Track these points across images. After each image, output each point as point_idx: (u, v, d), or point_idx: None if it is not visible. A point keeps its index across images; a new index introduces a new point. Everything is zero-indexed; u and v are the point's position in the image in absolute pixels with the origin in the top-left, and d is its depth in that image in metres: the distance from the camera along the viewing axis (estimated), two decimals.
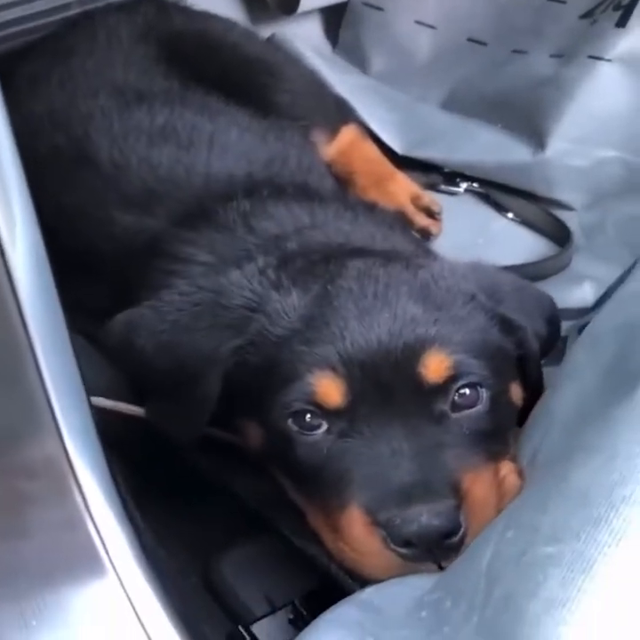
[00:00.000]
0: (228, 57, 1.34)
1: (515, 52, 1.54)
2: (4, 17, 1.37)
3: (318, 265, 0.93)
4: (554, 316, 1.01)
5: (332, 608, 0.76)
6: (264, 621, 0.87)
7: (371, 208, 1.17)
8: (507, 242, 1.44)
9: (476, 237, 1.44)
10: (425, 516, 0.77)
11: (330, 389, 0.83)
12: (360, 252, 0.97)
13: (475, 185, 1.50)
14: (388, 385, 0.83)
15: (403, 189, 1.45)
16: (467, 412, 0.85)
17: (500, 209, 1.48)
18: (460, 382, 0.85)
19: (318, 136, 1.37)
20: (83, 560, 0.68)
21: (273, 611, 0.88)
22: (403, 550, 0.79)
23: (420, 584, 0.75)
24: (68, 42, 1.32)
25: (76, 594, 0.68)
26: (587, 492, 0.66)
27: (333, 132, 1.42)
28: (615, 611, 0.60)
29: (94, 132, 1.16)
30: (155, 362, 0.92)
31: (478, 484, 0.82)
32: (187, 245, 1.03)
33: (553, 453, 0.79)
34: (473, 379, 0.85)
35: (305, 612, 0.86)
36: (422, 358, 0.84)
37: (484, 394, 0.86)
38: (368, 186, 1.43)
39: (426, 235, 1.43)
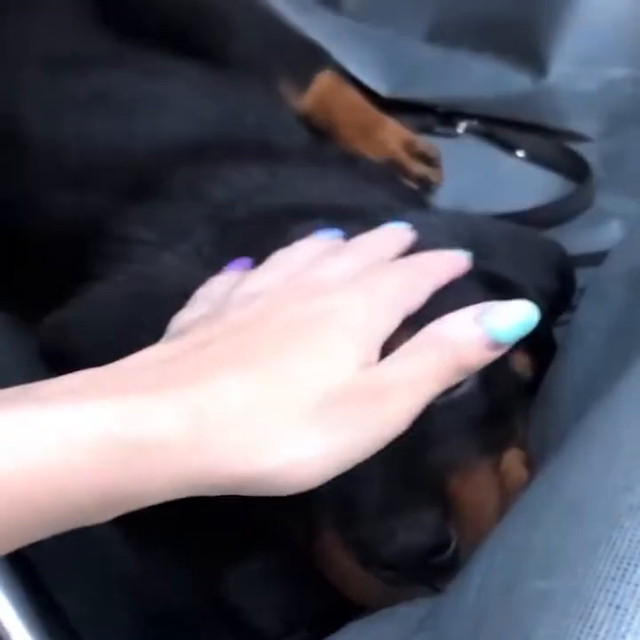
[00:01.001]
0: (168, 7, 1.21)
1: None
2: None
3: (258, 234, 0.79)
4: (564, 267, 0.85)
5: None
6: None
7: (351, 161, 1.04)
8: (518, 183, 1.31)
9: (484, 182, 1.31)
10: (401, 533, 0.62)
11: None
12: (309, 213, 0.81)
13: (475, 123, 1.37)
14: None
15: (393, 136, 1.31)
16: (452, 394, 0.69)
17: (507, 147, 1.36)
18: None
19: (286, 87, 1.25)
20: None
21: (288, 633, 0.78)
22: (384, 574, 0.64)
23: (408, 621, 0.60)
24: None
25: None
26: (581, 501, 0.50)
27: (305, 80, 1.29)
28: None
29: (23, 107, 1.06)
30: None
31: (470, 485, 0.67)
32: (128, 223, 0.91)
33: (557, 442, 0.63)
34: None
35: (322, 634, 0.72)
36: None
37: None
38: (354, 137, 1.30)
39: (425, 184, 1.29)
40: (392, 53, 1.42)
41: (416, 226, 0.77)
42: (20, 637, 0.58)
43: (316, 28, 1.42)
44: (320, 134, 1.29)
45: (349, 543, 0.65)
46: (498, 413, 0.72)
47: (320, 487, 0.66)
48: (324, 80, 1.33)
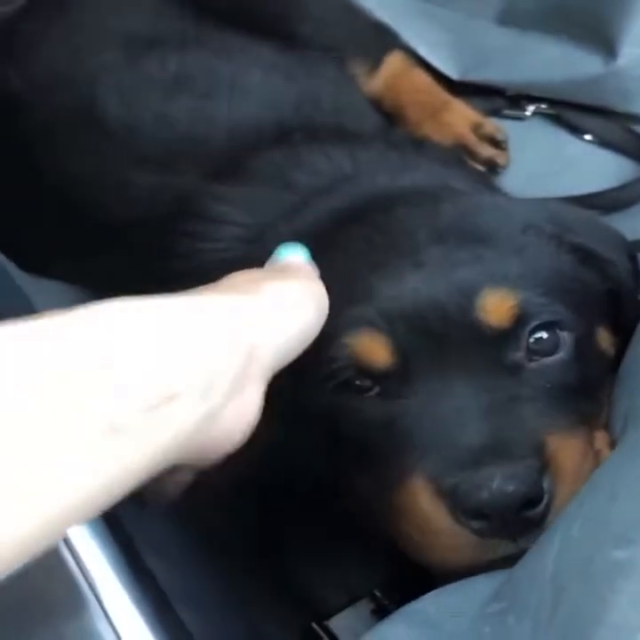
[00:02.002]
0: None
1: None
2: None
3: (355, 220, 0.82)
4: (632, 250, 0.86)
5: (377, 626, 0.64)
6: (341, 615, 0.78)
7: (420, 144, 1.05)
8: (586, 166, 1.30)
9: (551, 165, 1.31)
10: (498, 480, 0.64)
11: (373, 347, 0.72)
12: (398, 199, 0.84)
13: (543, 106, 1.35)
14: (442, 337, 0.71)
15: (461, 118, 1.31)
16: (546, 360, 0.72)
17: (575, 130, 1.34)
18: (533, 323, 0.71)
19: (356, 68, 1.25)
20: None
21: (351, 603, 0.79)
22: (474, 523, 0.66)
23: (483, 590, 0.62)
24: None
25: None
26: None
27: (375, 62, 1.29)
28: None
29: (102, 91, 1.07)
30: None
31: (568, 449, 0.68)
32: (216, 203, 0.93)
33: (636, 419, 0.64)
34: (548, 317, 0.72)
35: (387, 602, 0.77)
36: (477, 300, 0.71)
37: (566, 337, 0.73)
38: (422, 119, 1.30)
39: (492, 167, 1.29)
40: (462, 36, 1.41)
41: (491, 210, 0.80)
42: (114, 598, 0.61)
43: (387, 9, 1.41)
44: (387, 117, 1.31)
45: (443, 490, 0.67)
46: (589, 386, 0.74)
47: (414, 433, 0.69)
48: (393, 62, 1.33)
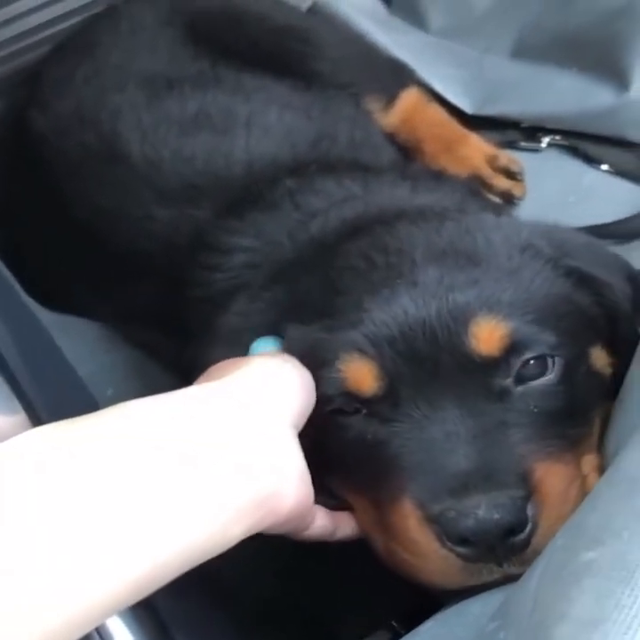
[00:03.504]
0: (256, 29, 1.24)
1: None
2: (31, 22, 1.32)
3: (356, 235, 0.83)
4: (633, 275, 0.86)
5: None
6: None
7: (436, 176, 1.06)
8: (602, 196, 1.30)
9: (567, 195, 1.31)
10: (483, 509, 0.65)
11: (360, 373, 0.73)
12: (402, 216, 0.85)
13: (558, 137, 1.36)
14: (431, 361, 0.72)
15: (476, 151, 1.33)
16: (533, 383, 0.73)
17: (591, 161, 1.35)
18: (525, 355, 0.72)
19: (372, 104, 1.27)
20: None
21: (368, 633, 0.82)
22: (460, 549, 0.67)
23: (484, 611, 0.63)
24: (91, 36, 1.26)
25: None
26: (636, 478, 0.53)
27: (391, 98, 1.31)
28: None
29: (124, 128, 1.10)
30: None
31: (554, 475, 0.69)
32: (230, 235, 0.96)
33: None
34: (539, 350, 0.72)
35: (404, 632, 0.76)
36: (469, 327, 0.72)
37: (555, 361, 0.73)
38: (437, 152, 1.32)
39: (508, 199, 1.30)
40: (476, 70, 1.43)
41: (492, 228, 0.80)
42: (113, 626, 0.62)
43: (402, 46, 1.44)
44: (404, 151, 1.32)
45: (430, 516, 0.68)
46: (578, 408, 0.74)
47: (403, 456, 0.71)
48: (408, 97, 1.34)
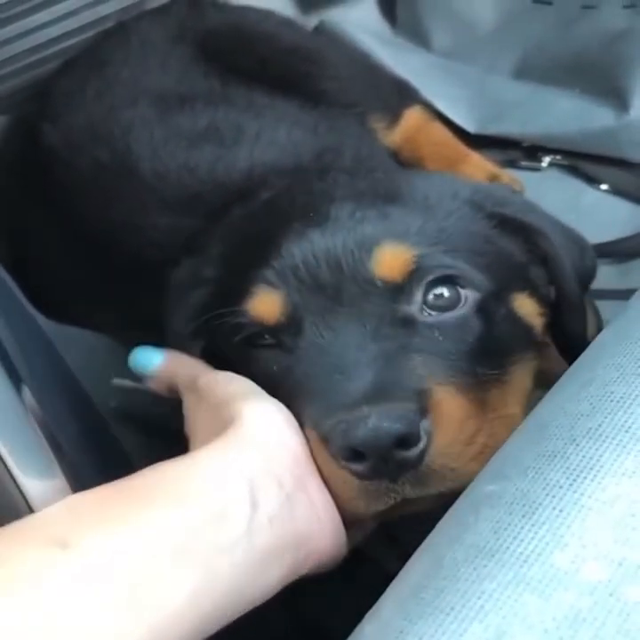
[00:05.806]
0: (264, 49, 1.26)
1: (584, 7, 1.42)
2: (42, 37, 1.34)
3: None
4: (587, 248, 0.89)
5: None
6: None
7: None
8: (601, 215, 1.32)
9: (567, 214, 1.25)
10: (373, 418, 0.64)
11: (264, 303, 0.76)
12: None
13: (558, 157, 1.39)
14: (334, 288, 0.74)
15: (478, 170, 1.35)
16: (445, 315, 0.74)
17: (591, 181, 1.37)
18: (428, 278, 0.74)
19: (377, 122, 1.29)
20: None
21: None
22: (354, 466, 0.66)
23: None
24: (102, 52, 1.27)
25: None
26: (547, 424, 0.56)
27: (395, 116, 1.33)
28: (557, 569, 0.48)
29: (135, 143, 1.11)
30: None
31: (453, 402, 0.69)
32: (211, 238, 0.96)
33: None
34: (445, 272, 0.74)
35: None
36: (373, 253, 0.74)
37: (469, 295, 0.74)
38: (440, 170, 1.32)
39: None
40: (479, 90, 1.45)
41: (435, 181, 0.83)
42: None
43: (407, 65, 1.46)
44: (407, 168, 1.33)
45: (323, 434, 0.68)
46: (492, 350, 0.75)
47: (304, 382, 0.72)
48: (412, 116, 1.37)
